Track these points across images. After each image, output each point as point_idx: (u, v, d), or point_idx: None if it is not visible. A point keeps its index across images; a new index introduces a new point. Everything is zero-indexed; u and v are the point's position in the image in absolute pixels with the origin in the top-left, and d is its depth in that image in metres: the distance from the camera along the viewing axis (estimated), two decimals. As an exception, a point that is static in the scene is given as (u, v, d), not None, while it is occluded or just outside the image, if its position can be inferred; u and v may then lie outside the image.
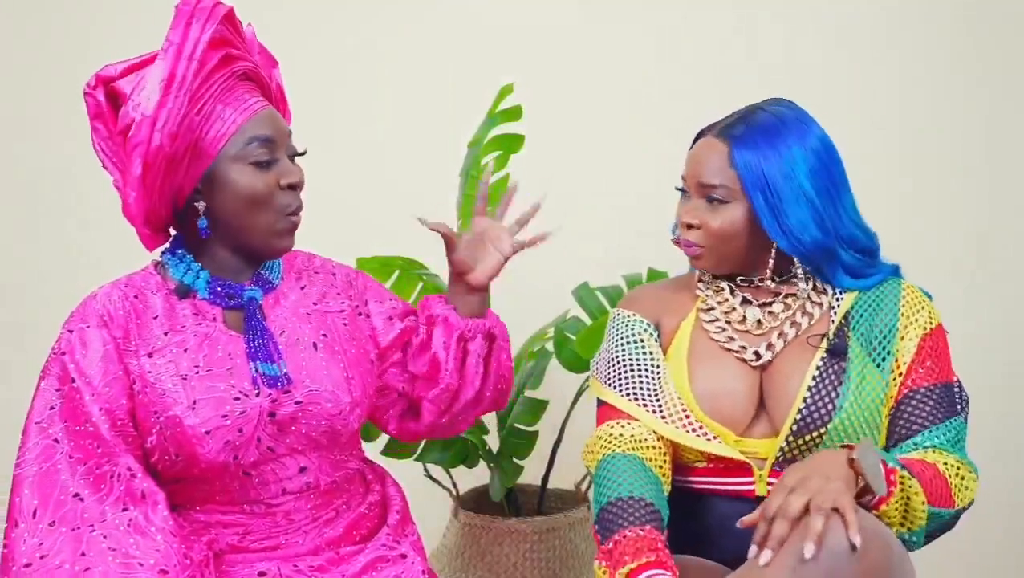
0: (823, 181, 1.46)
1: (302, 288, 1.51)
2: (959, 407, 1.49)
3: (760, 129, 1.46)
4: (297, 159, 1.47)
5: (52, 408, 1.36)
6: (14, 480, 1.34)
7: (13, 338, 2.60)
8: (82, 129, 1.44)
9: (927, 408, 1.46)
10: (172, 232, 1.49)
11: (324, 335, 1.48)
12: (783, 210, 1.44)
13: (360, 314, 1.54)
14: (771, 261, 1.50)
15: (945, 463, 1.42)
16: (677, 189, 1.55)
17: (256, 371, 1.40)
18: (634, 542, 1.35)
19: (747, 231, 1.48)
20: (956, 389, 1.51)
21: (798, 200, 1.44)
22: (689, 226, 1.50)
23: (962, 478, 1.43)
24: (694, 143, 1.54)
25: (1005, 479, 2.41)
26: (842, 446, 1.36)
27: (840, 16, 2.49)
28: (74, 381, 1.36)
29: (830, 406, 1.43)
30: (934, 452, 1.44)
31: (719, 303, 1.54)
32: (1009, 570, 2.49)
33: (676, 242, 1.56)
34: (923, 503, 1.36)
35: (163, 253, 1.48)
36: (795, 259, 1.49)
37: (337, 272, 1.57)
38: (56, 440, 1.34)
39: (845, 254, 1.48)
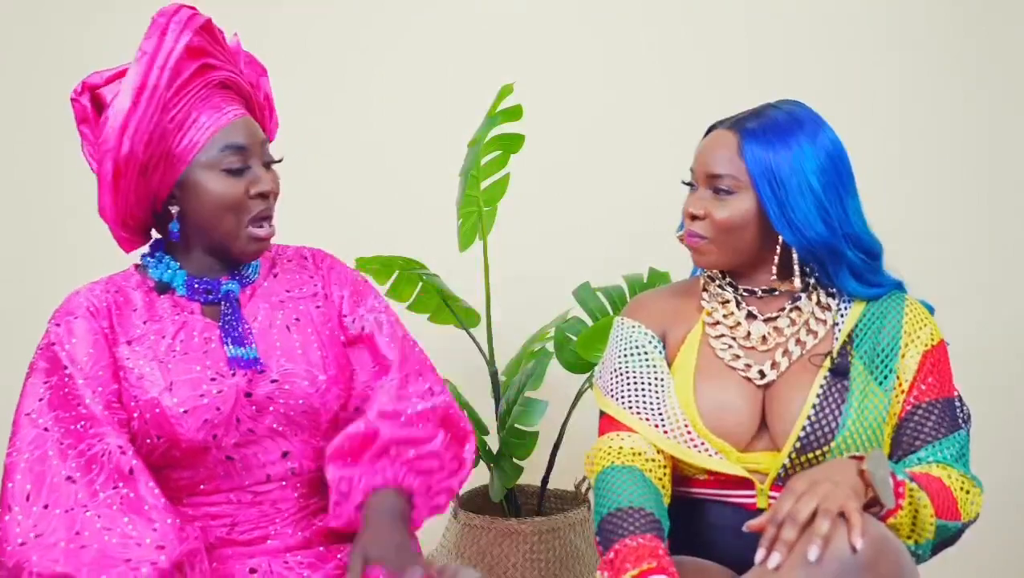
0: (831, 178, 1.45)
1: (275, 276, 1.55)
2: (961, 422, 1.49)
3: (772, 124, 1.46)
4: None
5: (41, 399, 1.38)
6: (6, 468, 1.35)
7: (13, 338, 2.59)
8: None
9: (929, 424, 1.45)
10: (154, 235, 1.53)
11: (297, 319, 1.51)
12: (789, 203, 1.43)
13: (327, 297, 1.56)
14: (776, 259, 1.49)
15: (950, 477, 1.42)
16: (684, 183, 1.54)
17: (230, 354, 1.43)
18: (635, 550, 1.35)
19: (752, 224, 1.47)
20: (957, 404, 1.50)
21: (804, 194, 1.43)
22: (694, 217, 1.49)
23: (967, 492, 1.43)
24: (705, 136, 1.53)
25: (1005, 479, 2.41)
26: (852, 456, 1.35)
27: (841, 17, 2.49)
28: (66, 368, 1.39)
29: (833, 425, 1.43)
30: (938, 467, 1.43)
31: (724, 316, 1.53)
32: (1009, 570, 2.49)
33: (683, 239, 1.54)
34: (931, 516, 1.36)
35: (143, 256, 1.52)
36: (795, 256, 1.47)
37: (308, 256, 1.60)
38: (46, 429, 1.36)
39: (850, 253, 1.47)
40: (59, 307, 1.46)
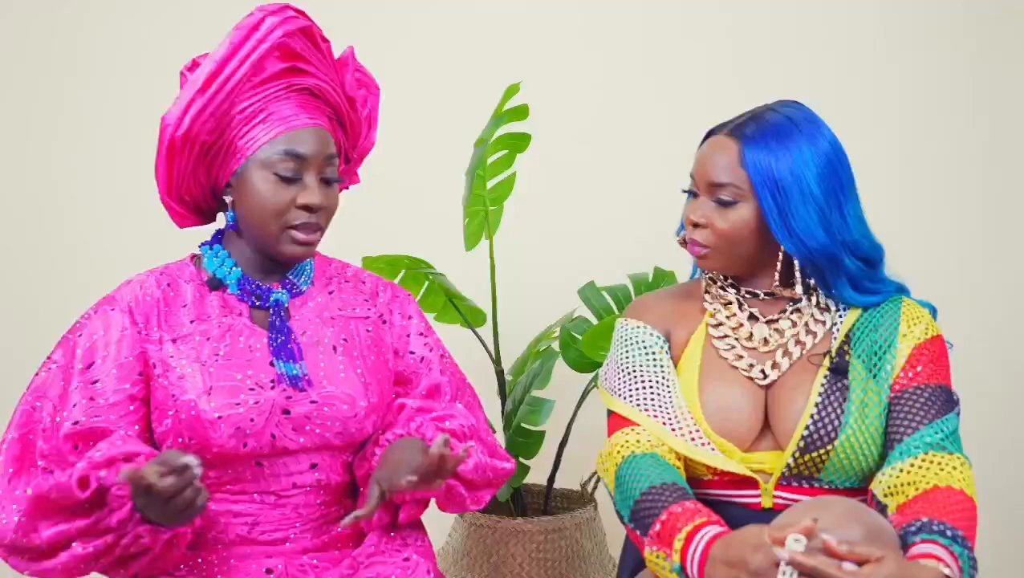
0: (831, 184, 1.45)
1: (330, 293, 1.54)
2: (952, 406, 1.46)
3: (771, 129, 1.46)
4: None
5: (37, 375, 1.41)
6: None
7: (13, 338, 2.59)
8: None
9: (916, 405, 1.43)
10: (214, 224, 1.53)
11: (345, 340, 1.50)
12: (791, 211, 1.43)
13: (384, 322, 1.56)
14: (779, 265, 1.49)
15: (955, 467, 1.39)
16: (684, 191, 1.54)
17: (279, 370, 1.42)
18: (682, 515, 1.34)
19: (754, 233, 1.47)
20: (953, 396, 1.48)
21: (806, 202, 1.43)
22: (696, 225, 1.49)
23: (967, 477, 1.39)
24: (703, 142, 1.53)
25: (1005, 479, 2.43)
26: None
27: (840, 17, 2.50)
28: (73, 365, 1.40)
29: (836, 424, 1.43)
30: (937, 456, 1.40)
31: (727, 318, 1.53)
32: (1009, 570, 2.50)
33: (682, 242, 1.55)
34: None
35: (201, 245, 1.53)
36: (796, 264, 1.48)
37: (367, 280, 1.59)
38: (33, 407, 1.39)
39: (849, 261, 1.47)
40: (109, 294, 1.47)
